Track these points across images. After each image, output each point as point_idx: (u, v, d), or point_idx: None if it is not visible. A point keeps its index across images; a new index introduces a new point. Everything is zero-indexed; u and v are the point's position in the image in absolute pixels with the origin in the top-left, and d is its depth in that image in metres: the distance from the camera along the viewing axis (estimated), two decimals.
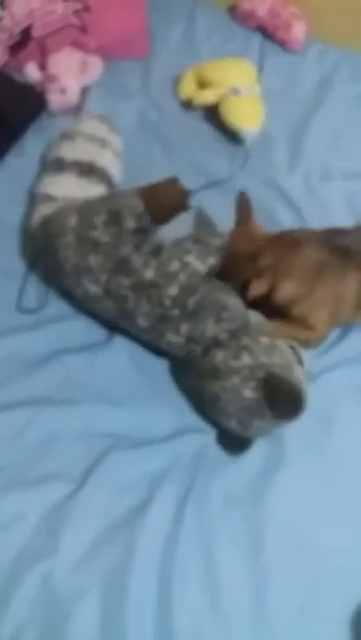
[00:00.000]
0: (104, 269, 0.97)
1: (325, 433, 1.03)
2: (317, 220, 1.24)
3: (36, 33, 1.39)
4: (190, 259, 0.98)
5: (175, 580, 0.86)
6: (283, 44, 1.61)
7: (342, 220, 1.18)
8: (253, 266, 1.00)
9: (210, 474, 0.96)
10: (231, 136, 1.38)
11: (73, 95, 1.37)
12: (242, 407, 0.91)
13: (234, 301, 0.99)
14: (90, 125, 1.25)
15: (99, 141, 1.20)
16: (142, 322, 0.98)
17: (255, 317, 0.99)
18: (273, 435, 0.99)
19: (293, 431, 1.00)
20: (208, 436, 1.00)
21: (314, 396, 1.05)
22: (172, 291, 0.95)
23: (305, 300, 1.01)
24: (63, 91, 1.35)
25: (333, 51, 1.61)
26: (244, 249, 1.01)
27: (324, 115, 1.47)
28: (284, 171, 1.36)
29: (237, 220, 1.05)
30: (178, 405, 1.02)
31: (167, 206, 1.03)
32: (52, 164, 1.18)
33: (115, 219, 0.97)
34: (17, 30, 1.37)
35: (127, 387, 1.03)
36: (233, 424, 0.94)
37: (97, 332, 1.07)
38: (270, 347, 0.93)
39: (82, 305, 1.05)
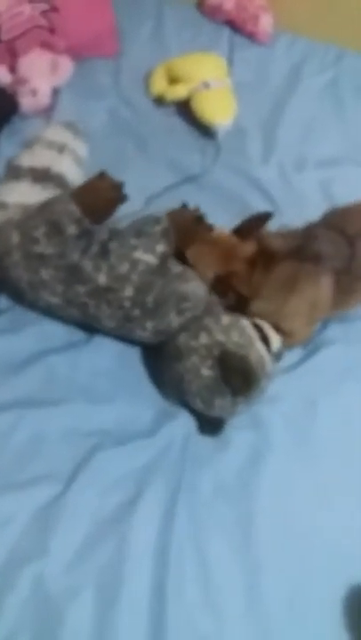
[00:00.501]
0: (58, 280, 0.97)
1: (310, 418, 1.03)
2: (293, 210, 1.25)
3: (4, 36, 1.38)
4: (138, 254, 0.97)
5: (168, 575, 0.86)
6: (251, 37, 1.61)
7: (318, 207, 1.19)
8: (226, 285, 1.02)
9: (197, 465, 0.96)
10: (204, 130, 1.39)
11: (44, 96, 1.36)
12: (203, 386, 0.93)
13: (193, 286, 0.99)
14: (53, 132, 1.24)
15: (58, 147, 1.19)
16: (108, 323, 0.99)
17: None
18: (255, 421, 1.00)
19: (278, 417, 1.02)
20: (193, 428, 1.00)
21: (297, 381, 1.07)
22: (128, 292, 0.95)
23: (276, 313, 1.03)
24: (34, 92, 1.34)
25: (302, 41, 1.62)
26: (219, 269, 1.03)
27: (295, 105, 1.48)
28: (258, 162, 1.37)
29: (238, 230, 1.06)
30: (162, 399, 1.03)
31: (103, 203, 1.02)
32: (10, 173, 1.18)
33: (55, 229, 0.97)
34: None
35: (111, 383, 1.03)
36: (198, 404, 0.96)
37: (78, 331, 1.07)
38: (230, 325, 0.95)
39: (47, 314, 1.05)
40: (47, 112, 1.37)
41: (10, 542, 0.86)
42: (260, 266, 1.03)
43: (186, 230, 1.02)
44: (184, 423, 1.00)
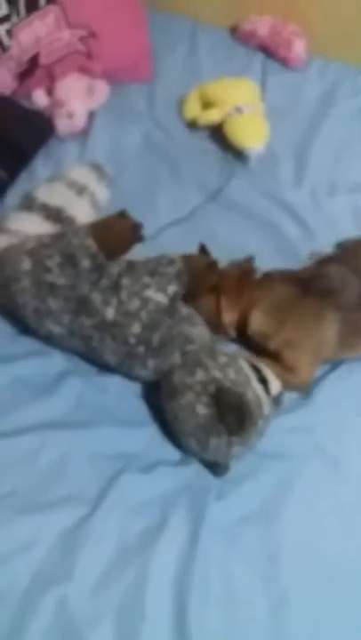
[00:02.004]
0: (65, 311, 0.97)
1: (339, 447, 1.01)
2: (325, 235, 1.24)
3: (43, 60, 1.43)
4: (150, 293, 0.97)
5: (191, 603, 0.84)
6: (284, 62, 1.63)
7: (349, 232, 1.18)
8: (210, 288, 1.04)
9: (223, 493, 0.95)
10: (237, 154, 1.40)
11: (80, 119, 1.39)
12: (198, 425, 0.91)
13: (198, 331, 1.00)
14: (77, 171, 1.25)
15: (77, 189, 1.19)
16: (110, 359, 0.99)
17: (244, 354, 1.00)
18: (283, 449, 0.98)
19: (306, 445, 1.00)
20: None
21: (326, 408, 1.05)
22: (135, 329, 0.95)
23: (277, 334, 1.02)
24: (70, 115, 1.38)
25: (334, 66, 1.63)
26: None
27: (327, 129, 1.48)
28: (289, 186, 1.37)
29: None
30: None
31: (120, 242, 1.04)
32: (24, 202, 1.19)
33: (70, 261, 0.97)
34: (25, 58, 1.40)
35: (138, 407, 1.03)
36: (193, 445, 0.94)
37: None
38: (227, 363, 0.94)
39: (47, 342, 1.05)
40: (82, 135, 1.40)
41: (34, 565, 0.85)
42: (254, 281, 1.05)
43: (198, 274, 1.03)
44: None
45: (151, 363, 0.96)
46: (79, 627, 0.82)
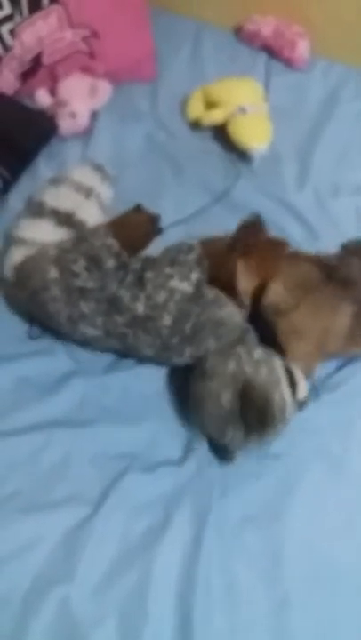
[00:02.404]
0: (98, 313, 0.97)
1: (343, 448, 1.01)
2: (328, 236, 1.24)
3: (45, 60, 1.43)
4: (175, 283, 0.97)
5: (194, 603, 0.85)
6: (288, 63, 1.62)
7: (353, 233, 1.18)
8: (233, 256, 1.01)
9: (226, 493, 0.95)
10: (240, 155, 1.39)
11: (83, 119, 1.39)
12: (219, 413, 0.92)
13: (228, 312, 0.99)
14: (81, 173, 1.23)
15: (85, 191, 1.19)
16: (147, 352, 0.99)
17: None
18: (286, 450, 0.98)
19: (310, 446, 0.99)
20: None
21: (330, 409, 1.04)
22: (167, 321, 0.96)
23: (290, 314, 1.00)
24: (73, 115, 1.37)
25: (338, 67, 1.62)
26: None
27: (331, 131, 1.47)
28: (293, 187, 1.37)
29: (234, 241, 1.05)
30: (192, 424, 1.02)
31: (140, 237, 1.04)
32: (33, 208, 1.17)
33: (95, 263, 0.98)
34: (27, 58, 1.40)
35: (141, 408, 1.03)
36: (210, 428, 0.95)
37: (110, 355, 1.07)
38: (261, 361, 0.94)
39: (82, 345, 1.05)
40: (85, 134, 1.40)
41: (37, 565, 0.86)
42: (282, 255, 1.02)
43: (218, 258, 1.02)
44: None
45: (187, 351, 0.97)
46: (82, 627, 0.82)
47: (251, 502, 0.95)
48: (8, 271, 1.08)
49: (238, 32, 1.69)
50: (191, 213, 1.27)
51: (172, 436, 1.00)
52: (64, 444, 0.96)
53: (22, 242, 1.10)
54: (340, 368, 1.09)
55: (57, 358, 1.06)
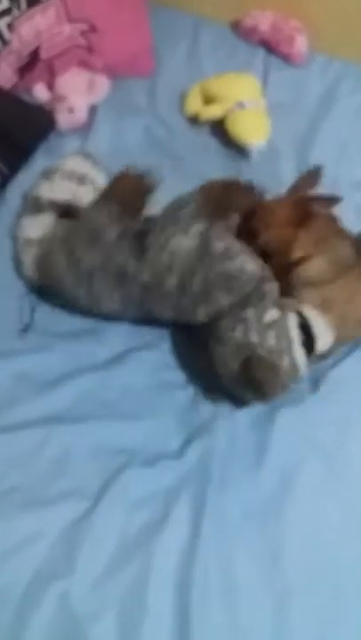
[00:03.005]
0: (113, 288, 0.98)
1: (342, 444, 1.01)
2: None
3: (43, 54, 1.42)
4: (175, 241, 0.96)
5: (193, 598, 0.85)
6: (286, 58, 1.62)
7: (352, 229, 1.18)
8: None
9: (225, 488, 0.95)
10: (238, 150, 1.39)
11: (81, 114, 1.38)
12: (226, 375, 0.94)
13: (239, 262, 0.95)
14: (72, 161, 1.23)
15: (78, 178, 1.18)
16: (166, 315, 1.00)
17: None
18: (286, 445, 0.99)
19: (309, 443, 1.00)
20: (222, 449, 0.99)
21: (329, 406, 1.05)
22: (172, 283, 0.95)
23: (324, 286, 0.98)
24: (71, 110, 1.37)
25: (336, 63, 1.62)
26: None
27: (329, 126, 1.47)
28: (291, 182, 1.36)
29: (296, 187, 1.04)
30: (191, 420, 1.02)
31: (135, 196, 1.03)
32: (30, 205, 1.17)
33: (96, 237, 0.98)
34: (25, 52, 1.39)
35: (140, 402, 1.03)
36: (223, 377, 0.97)
37: (109, 349, 1.08)
38: (271, 324, 0.92)
39: (110, 320, 1.08)
40: (83, 129, 1.39)
41: (37, 560, 0.86)
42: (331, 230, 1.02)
43: (217, 200, 1.01)
44: (213, 445, 0.99)
45: (201, 311, 0.95)
46: (81, 621, 0.82)
47: (250, 498, 0.95)
48: (29, 272, 1.10)
49: (236, 27, 1.68)
50: None
51: (172, 431, 1.01)
52: (63, 439, 0.96)
53: (29, 242, 1.10)
54: (334, 365, 1.09)
55: (56, 353, 1.06)
